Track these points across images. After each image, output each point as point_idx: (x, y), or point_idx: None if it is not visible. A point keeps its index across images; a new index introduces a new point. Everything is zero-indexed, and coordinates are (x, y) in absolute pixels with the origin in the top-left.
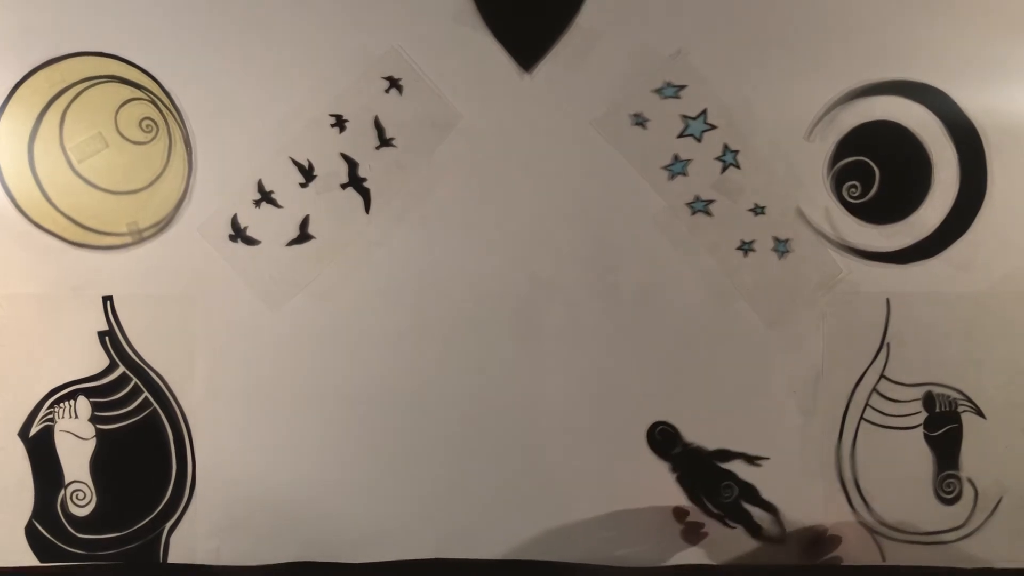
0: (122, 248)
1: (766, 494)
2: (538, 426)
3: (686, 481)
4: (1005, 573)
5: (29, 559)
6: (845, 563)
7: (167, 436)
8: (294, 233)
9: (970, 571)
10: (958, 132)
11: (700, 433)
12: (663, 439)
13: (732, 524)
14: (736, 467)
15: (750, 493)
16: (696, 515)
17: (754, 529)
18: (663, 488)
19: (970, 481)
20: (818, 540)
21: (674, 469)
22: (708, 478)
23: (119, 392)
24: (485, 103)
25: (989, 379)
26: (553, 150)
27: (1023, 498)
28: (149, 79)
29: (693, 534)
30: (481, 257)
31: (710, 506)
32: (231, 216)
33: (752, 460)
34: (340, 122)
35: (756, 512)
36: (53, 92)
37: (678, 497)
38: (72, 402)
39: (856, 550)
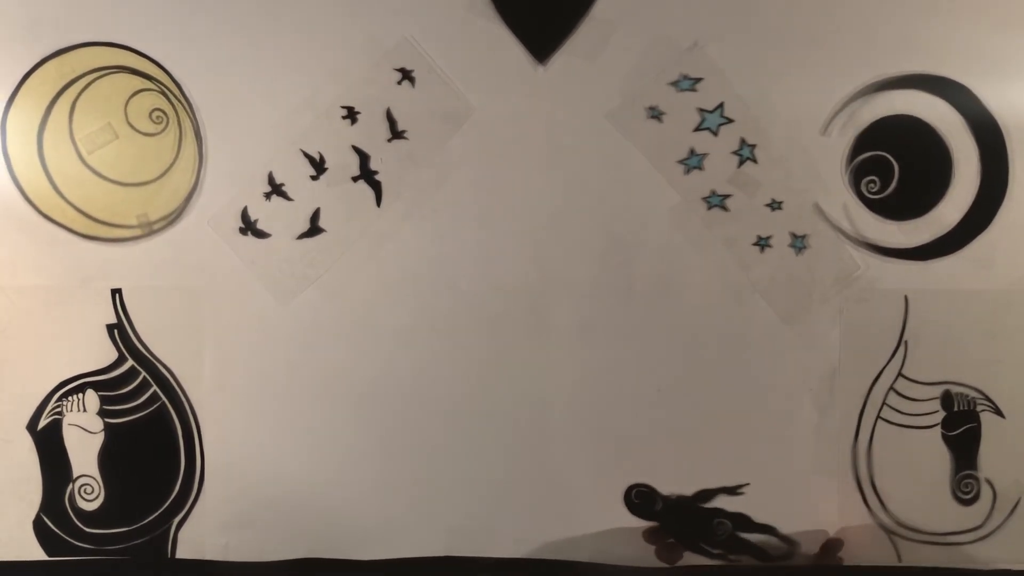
0: (132, 240)
1: (779, 494)
2: (550, 423)
3: (678, 534)
4: None
5: (37, 553)
6: (860, 564)
7: (176, 430)
8: (305, 226)
9: (987, 572)
10: (979, 127)
11: (715, 430)
12: (641, 501)
13: (735, 559)
14: (721, 502)
15: (742, 523)
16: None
17: (759, 554)
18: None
19: (988, 482)
20: (825, 547)
21: (662, 527)
22: (698, 523)
23: (128, 386)
24: (499, 95)
25: (1008, 378)
26: (567, 143)
27: None
28: (159, 70)
29: (668, 553)
30: (493, 251)
31: (708, 548)
32: (241, 209)
33: (733, 491)
34: (352, 114)
35: (755, 538)
36: (63, 83)
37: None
38: (80, 395)
39: (870, 553)
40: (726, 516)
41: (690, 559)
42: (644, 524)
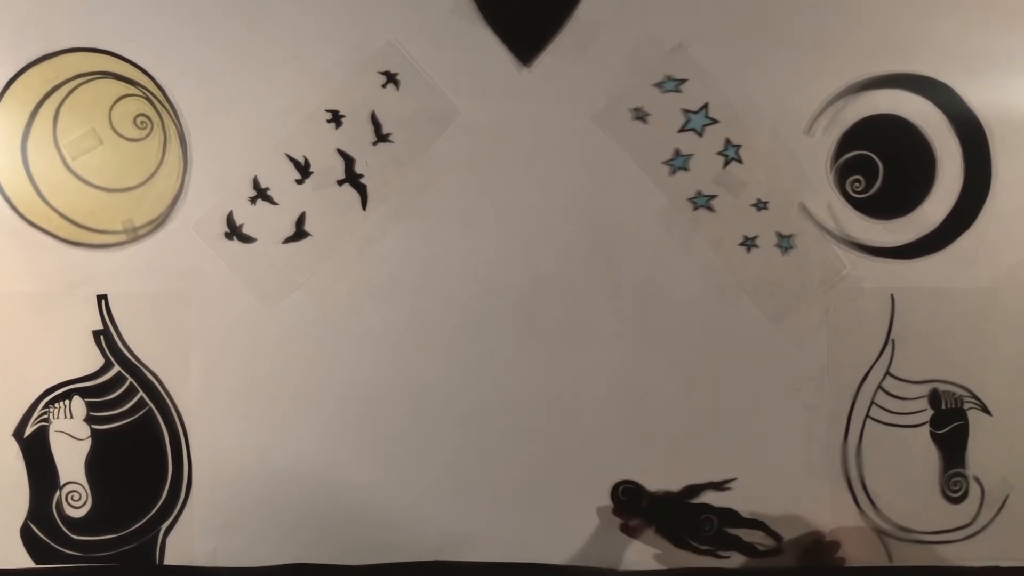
0: (117, 246)
1: (769, 495)
2: (538, 425)
3: (665, 530)
4: (1012, 572)
5: (24, 561)
6: (850, 564)
7: (163, 436)
8: (290, 230)
9: (977, 570)
10: (962, 126)
11: (703, 431)
12: (627, 498)
13: (723, 554)
14: (708, 498)
15: (730, 518)
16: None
17: (747, 549)
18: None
19: (976, 479)
20: (816, 545)
21: (648, 523)
22: (685, 518)
23: (114, 392)
24: (483, 98)
25: (995, 376)
26: (553, 145)
27: None
28: (144, 75)
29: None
30: (480, 254)
31: (696, 544)
32: (226, 213)
33: (720, 486)
34: (336, 117)
35: (743, 533)
36: (47, 88)
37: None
38: (67, 402)
39: (860, 552)
40: (713, 512)
41: (684, 556)
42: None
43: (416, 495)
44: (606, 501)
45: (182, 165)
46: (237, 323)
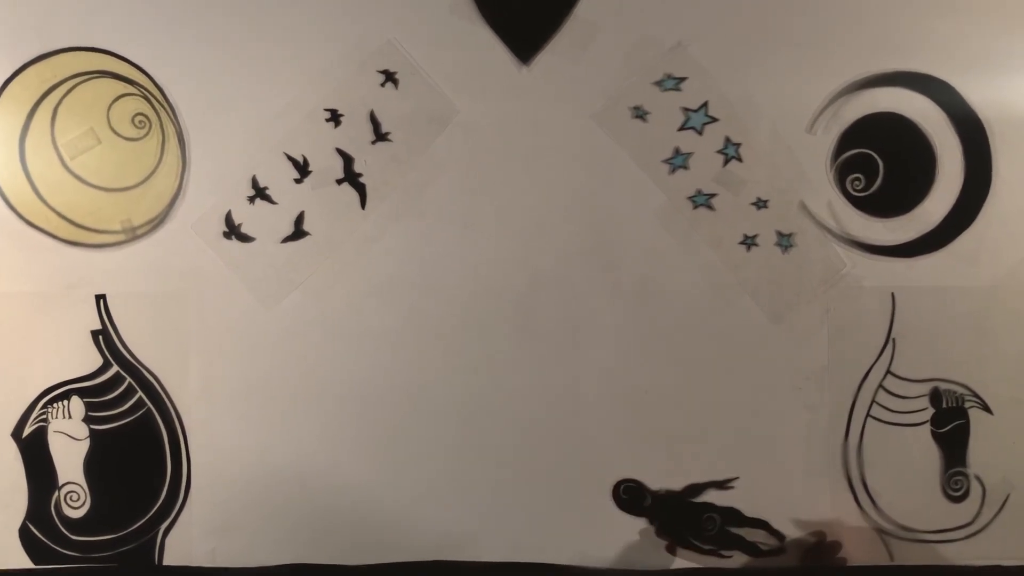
0: (115, 246)
1: (770, 494)
2: (538, 424)
3: (668, 529)
4: (1013, 571)
5: (23, 561)
6: (852, 564)
7: (162, 436)
8: (289, 230)
9: (978, 569)
10: (962, 123)
11: (704, 430)
12: (630, 497)
13: (726, 554)
14: (711, 497)
15: (733, 517)
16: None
17: (750, 548)
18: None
19: (978, 478)
20: (817, 545)
21: (651, 522)
22: (688, 518)
23: (113, 392)
24: (483, 97)
25: (996, 374)
26: (552, 144)
27: None
28: (142, 74)
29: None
30: (479, 253)
31: (699, 544)
32: (225, 213)
33: (722, 485)
34: (335, 117)
35: (746, 532)
36: (44, 88)
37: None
38: (65, 402)
39: (862, 551)
40: (716, 511)
41: (687, 555)
42: (633, 522)
43: (416, 495)
44: (607, 500)
45: (181, 164)
46: (236, 323)
